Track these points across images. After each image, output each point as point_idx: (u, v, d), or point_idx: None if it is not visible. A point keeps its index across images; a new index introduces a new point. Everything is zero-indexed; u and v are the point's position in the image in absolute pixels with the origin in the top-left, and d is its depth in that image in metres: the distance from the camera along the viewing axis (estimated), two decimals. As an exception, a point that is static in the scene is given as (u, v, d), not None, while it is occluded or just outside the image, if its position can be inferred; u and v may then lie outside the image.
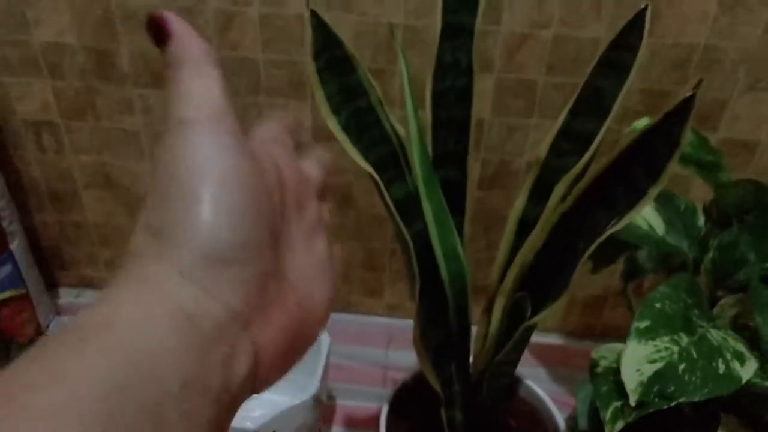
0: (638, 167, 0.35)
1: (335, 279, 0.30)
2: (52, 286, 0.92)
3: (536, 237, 0.42)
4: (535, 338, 0.90)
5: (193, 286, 0.21)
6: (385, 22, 0.68)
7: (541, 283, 0.44)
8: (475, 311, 0.52)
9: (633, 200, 0.35)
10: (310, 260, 0.28)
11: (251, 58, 0.72)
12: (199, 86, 0.24)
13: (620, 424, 0.44)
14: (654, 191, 0.34)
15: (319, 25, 0.35)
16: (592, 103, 0.43)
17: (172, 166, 0.23)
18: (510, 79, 0.70)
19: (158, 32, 0.24)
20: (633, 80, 0.69)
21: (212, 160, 0.23)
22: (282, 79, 0.73)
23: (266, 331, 0.23)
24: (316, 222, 0.29)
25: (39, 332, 0.79)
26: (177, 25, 0.25)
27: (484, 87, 0.71)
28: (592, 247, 0.36)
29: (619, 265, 0.71)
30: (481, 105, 0.72)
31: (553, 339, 0.91)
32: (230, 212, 0.22)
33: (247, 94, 0.74)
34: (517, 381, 0.65)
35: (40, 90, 0.76)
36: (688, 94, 0.31)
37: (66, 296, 0.93)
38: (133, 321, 0.20)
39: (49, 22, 0.71)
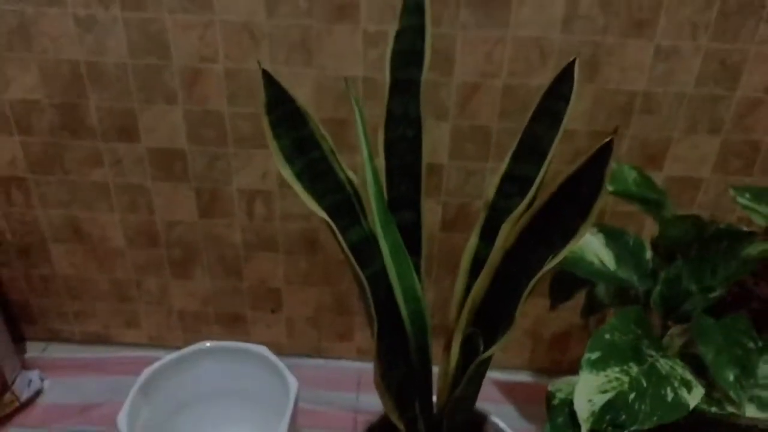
0: (570, 207, 0.38)
1: None
2: (18, 340, 0.92)
3: (484, 275, 0.44)
4: (504, 376, 0.92)
5: None
6: (344, 75, 0.71)
7: (492, 319, 0.46)
8: (439, 351, 0.53)
9: (567, 237, 0.37)
10: None
11: (218, 110, 0.75)
12: None
13: (574, 454, 0.46)
14: (584, 228, 0.36)
15: (270, 83, 0.38)
16: (532, 148, 0.46)
17: None
18: (465, 125, 0.74)
19: None
20: (580, 124, 0.74)
21: None
22: (247, 130, 0.76)
23: None
24: None
25: (4, 388, 0.78)
26: None
27: (440, 134, 0.74)
28: (532, 283, 0.38)
29: (581, 302, 0.74)
30: (439, 150, 0.75)
31: (522, 377, 0.93)
32: None
33: (215, 145, 0.77)
34: (482, 418, 0.66)
35: (9, 146, 0.77)
36: (607, 139, 0.34)
37: (33, 350, 0.92)
38: None
39: (18, 81, 0.73)
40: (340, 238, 0.42)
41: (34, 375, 0.84)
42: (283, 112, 0.40)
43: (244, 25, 0.69)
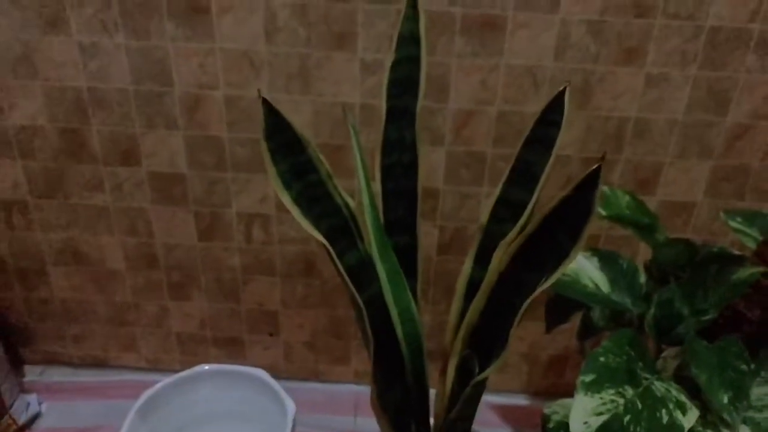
0: (561, 231, 0.39)
1: None
2: (16, 363, 0.92)
3: (479, 298, 0.45)
4: (500, 399, 0.92)
5: None
6: (341, 101, 0.73)
7: (487, 342, 0.47)
8: (435, 373, 0.54)
9: (559, 260, 0.38)
10: None
11: (218, 136, 0.76)
12: None
13: (569, 477, 0.46)
14: (576, 251, 0.37)
15: (270, 111, 0.39)
16: (524, 174, 0.47)
17: None
18: (460, 151, 0.75)
19: None
20: (573, 150, 0.75)
21: None
22: (246, 155, 0.77)
23: None
24: None
25: (2, 411, 0.78)
26: None
27: (436, 159, 0.76)
28: (525, 305, 0.39)
29: (576, 325, 0.74)
30: (435, 176, 0.77)
31: (518, 400, 0.93)
32: None
33: (214, 169, 0.78)
34: (479, 442, 0.66)
35: (11, 170, 0.78)
36: (595, 166, 0.35)
37: (30, 374, 0.92)
38: None
39: (22, 106, 0.75)
40: (337, 261, 0.43)
41: (32, 398, 0.84)
42: (282, 138, 0.41)
43: (244, 53, 0.71)
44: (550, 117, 0.46)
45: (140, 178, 0.79)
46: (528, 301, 0.39)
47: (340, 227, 0.47)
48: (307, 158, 0.43)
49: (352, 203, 0.46)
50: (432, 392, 0.55)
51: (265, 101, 0.39)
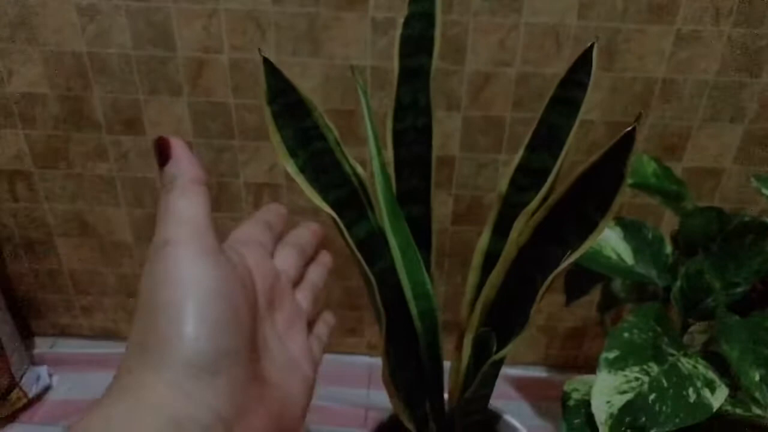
0: (588, 200, 0.36)
1: (314, 367, 0.31)
2: (26, 335, 0.91)
3: (497, 272, 0.43)
4: (518, 372, 0.90)
5: (179, 394, 0.23)
6: (351, 64, 0.69)
7: (505, 318, 0.44)
8: (450, 347, 0.52)
9: (585, 232, 0.35)
10: (285, 356, 0.29)
11: (224, 102, 0.73)
12: (183, 207, 0.26)
13: (591, 458, 0.44)
14: (604, 223, 0.34)
15: (272, 71, 0.36)
16: (547, 139, 0.44)
17: (155, 285, 0.25)
18: (477, 116, 0.71)
19: (161, 153, 0.27)
20: (597, 114, 0.71)
21: (192, 278, 0.25)
22: (253, 122, 0.74)
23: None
24: (292, 316, 0.31)
25: (12, 384, 0.78)
26: (178, 148, 0.27)
27: (452, 125, 0.72)
28: (549, 280, 0.36)
29: (596, 296, 0.72)
30: (450, 142, 0.73)
31: (536, 372, 0.91)
32: (211, 325, 0.24)
33: (221, 137, 0.75)
34: (495, 417, 0.64)
35: (13, 140, 0.76)
36: (629, 128, 0.32)
37: (41, 346, 0.92)
38: None
39: (21, 73, 0.72)
40: (346, 233, 0.41)
41: (42, 371, 0.83)
42: (286, 102, 0.38)
43: (249, 14, 0.67)
44: (576, 77, 0.43)
45: (145, 147, 0.77)
46: (552, 275, 0.36)
47: (349, 197, 0.44)
48: (313, 123, 0.40)
49: (362, 172, 0.43)
50: (446, 364, 0.53)
51: (266, 61, 0.36)
